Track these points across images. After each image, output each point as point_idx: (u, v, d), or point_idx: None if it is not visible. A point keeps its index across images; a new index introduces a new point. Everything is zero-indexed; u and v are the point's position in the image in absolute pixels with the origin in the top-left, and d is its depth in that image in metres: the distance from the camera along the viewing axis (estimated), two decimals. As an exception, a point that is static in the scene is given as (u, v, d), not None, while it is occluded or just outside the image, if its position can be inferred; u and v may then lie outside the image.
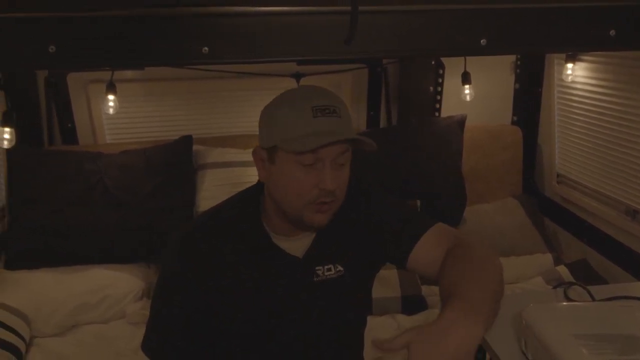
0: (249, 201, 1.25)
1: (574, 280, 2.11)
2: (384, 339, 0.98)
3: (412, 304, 2.34)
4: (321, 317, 1.25)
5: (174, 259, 1.24)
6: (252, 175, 2.54)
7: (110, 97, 2.62)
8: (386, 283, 2.37)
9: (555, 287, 1.35)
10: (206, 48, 1.17)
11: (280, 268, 1.22)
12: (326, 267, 1.24)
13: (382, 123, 3.07)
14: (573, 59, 2.59)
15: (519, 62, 2.94)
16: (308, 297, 1.24)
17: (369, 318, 1.39)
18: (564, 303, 1.23)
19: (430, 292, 2.37)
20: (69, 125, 2.76)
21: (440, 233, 1.25)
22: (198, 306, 1.20)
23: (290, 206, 1.15)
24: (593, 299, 1.24)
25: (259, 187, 1.25)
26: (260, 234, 1.22)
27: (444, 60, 2.86)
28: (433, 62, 2.88)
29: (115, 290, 2.32)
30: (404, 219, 1.29)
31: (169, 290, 1.24)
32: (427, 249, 1.23)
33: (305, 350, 1.26)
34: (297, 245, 1.23)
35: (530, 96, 2.95)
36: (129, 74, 2.74)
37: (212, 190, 2.55)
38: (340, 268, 1.25)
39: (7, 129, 2.34)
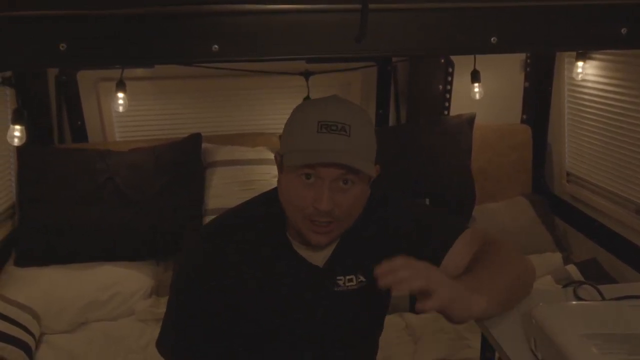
0: (271, 206, 1.21)
1: (583, 280, 2.10)
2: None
3: (420, 302, 2.33)
4: (340, 326, 1.24)
5: (195, 256, 1.22)
6: (260, 174, 2.58)
7: (120, 95, 2.64)
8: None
9: (565, 286, 1.34)
10: (216, 46, 1.16)
11: (301, 277, 1.20)
12: (347, 277, 1.22)
13: (392, 121, 3.06)
14: (584, 57, 2.58)
15: (529, 61, 2.93)
16: (328, 307, 1.22)
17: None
18: (574, 302, 1.22)
19: (439, 291, 2.36)
20: (79, 123, 2.77)
21: (472, 237, 1.23)
22: (217, 306, 1.19)
23: (290, 217, 1.15)
24: (603, 298, 1.23)
25: None
26: (282, 241, 1.20)
27: (453, 58, 2.85)
28: (442, 61, 2.87)
29: (124, 288, 2.33)
30: (434, 224, 1.26)
31: (188, 287, 1.22)
32: (459, 254, 1.20)
33: (320, 353, 1.25)
34: (317, 254, 1.21)
35: (540, 95, 2.94)
36: (138, 72, 2.75)
37: (221, 188, 2.56)
38: (362, 278, 1.23)
39: (17, 127, 2.36)
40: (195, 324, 1.21)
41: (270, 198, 1.23)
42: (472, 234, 1.24)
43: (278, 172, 1.17)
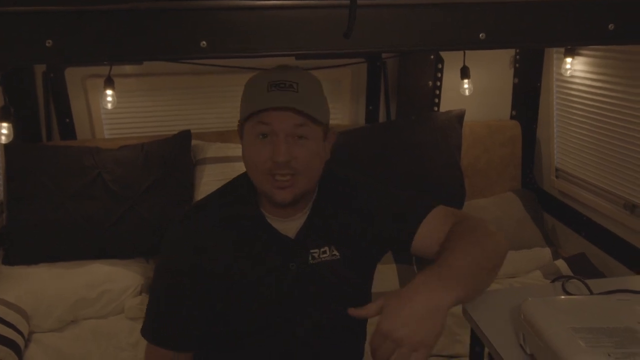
0: (243, 183, 1.27)
1: (572, 274, 2.12)
2: (359, 309, 1.02)
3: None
4: (318, 299, 1.26)
5: (171, 247, 1.26)
6: (250, 170, 2.57)
7: (109, 92, 2.62)
8: (384, 277, 2.37)
9: (553, 281, 1.35)
10: (204, 42, 1.16)
11: (274, 248, 1.24)
12: (321, 249, 1.26)
13: (382, 118, 3.07)
14: (572, 53, 2.59)
15: (518, 57, 2.94)
16: (305, 279, 1.24)
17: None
18: (562, 297, 1.23)
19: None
20: (67, 120, 2.75)
21: (444, 214, 1.26)
22: (197, 287, 1.22)
23: (256, 180, 1.20)
24: (591, 293, 1.24)
25: None
26: (255, 215, 1.24)
27: (443, 54, 2.85)
28: (432, 57, 2.87)
29: (114, 286, 2.32)
30: (404, 203, 1.29)
31: (167, 277, 1.26)
32: (430, 231, 1.23)
33: (303, 334, 1.27)
34: (289, 226, 1.25)
35: (529, 91, 2.95)
36: (127, 68, 2.74)
37: (211, 185, 2.55)
38: (335, 252, 1.26)
39: (4, 124, 2.34)
40: (177, 307, 1.24)
41: (240, 177, 1.29)
42: (444, 210, 1.27)
43: (241, 142, 1.23)
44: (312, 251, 1.25)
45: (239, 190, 1.28)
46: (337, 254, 1.26)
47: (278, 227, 1.24)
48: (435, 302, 0.98)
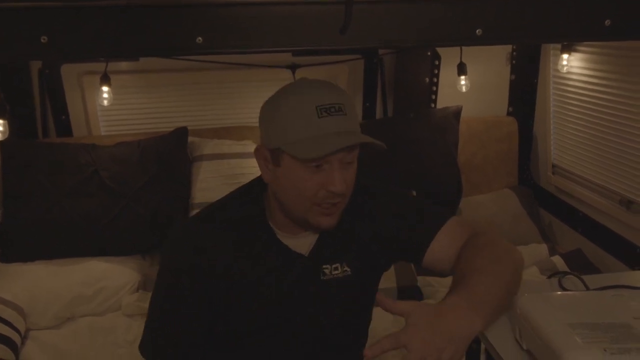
0: (253, 197, 1.22)
1: (568, 270, 2.13)
2: (389, 299, 0.98)
3: (407, 294, 2.35)
4: (328, 315, 1.24)
5: (176, 255, 1.20)
6: (247, 167, 2.57)
7: (105, 88, 2.61)
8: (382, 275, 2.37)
9: (549, 277, 1.35)
10: (200, 38, 1.16)
11: (286, 265, 1.20)
12: (333, 266, 1.22)
13: (378, 114, 3.07)
14: (569, 49, 2.59)
15: (514, 53, 2.94)
16: (316, 296, 1.22)
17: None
18: (559, 292, 1.23)
19: (426, 283, 2.38)
20: (63, 117, 2.75)
21: (457, 227, 1.23)
22: (201, 304, 1.18)
23: (296, 208, 1.13)
24: (587, 289, 1.25)
25: (261, 183, 1.21)
26: (265, 231, 1.20)
27: (439, 51, 2.85)
28: (429, 53, 2.87)
29: (110, 283, 2.32)
30: (418, 213, 1.26)
31: (171, 287, 1.20)
32: (444, 245, 1.20)
33: (309, 346, 1.25)
34: (302, 242, 1.21)
35: (526, 87, 2.95)
36: (123, 65, 2.73)
37: (208, 182, 2.55)
38: (346, 268, 1.23)
39: (0, 121, 2.33)
40: (181, 323, 1.19)
41: (249, 189, 1.23)
42: (458, 222, 1.24)
43: (266, 168, 1.15)
44: (324, 267, 1.22)
45: (249, 205, 1.21)
46: (349, 270, 1.23)
47: (289, 244, 1.20)
48: (463, 331, 0.96)
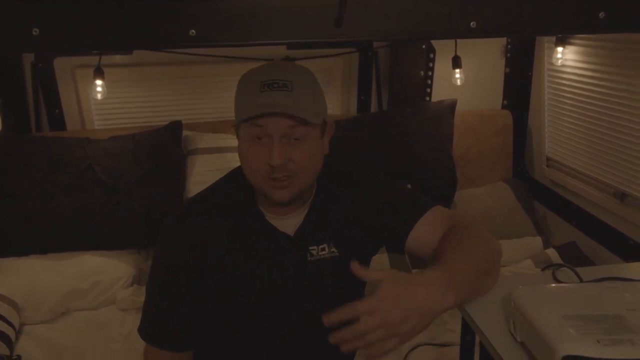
0: (239, 182, 1.25)
1: (562, 263, 2.13)
2: (363, 266, 1.00)
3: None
4: (316, 296, 1.25)
5: (167, 244, 1.24)
6: (242, 160, 2.55)
7: (98, 82, 2.59)
8: (377, 266, 2.37)
9: (543, 269, 1.36)
10: (193, 31, 1.15)
11: (273, 245, 1.23)
12: (320, 246, 1.25)
13: (373, 107, 3.06)
14: (563, 42, 2.59)
15: (509, 46, 2.94)
16: (303, 276, 1.24)
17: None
18: (553, 285, 1.23)
19: (421, 276, 2.39)
20: (57, 111, 2.73)
21: (439, 215, 1.25)
22: (193, 289, 1.21)
23: (255, 182, 1.18)
24: (581, 281, 1.25)
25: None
26: (253, 212, 1.23)
27: (434, 44, 2.85)
28: (423, 46, 2.87)
29: (105, 277, 2.32)
30: (401, 200, 1.28)
31: (164, 274, 1.24)
32: (426, 231, 1.23)
33: (300, 329, 1.27)
34: (288, 223, 1.24)
35: (520, 80, 2.96)
36: (117, 58, 2.71)
37: (203, 176, 2.54)
38: (334, 249, 1.26)
39: (-7, 115, 2.32)
40: (176, 306, 1.22)
41: (235, 173, 1.27)
42: (441, 211, 1.27)
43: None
44: (310, 248, 1.24)
45: (236, 188, 1.25)
46: (336, 251, 1.26)
47: (276, 225, 1.23)
48: (433, 305, 0.98)
